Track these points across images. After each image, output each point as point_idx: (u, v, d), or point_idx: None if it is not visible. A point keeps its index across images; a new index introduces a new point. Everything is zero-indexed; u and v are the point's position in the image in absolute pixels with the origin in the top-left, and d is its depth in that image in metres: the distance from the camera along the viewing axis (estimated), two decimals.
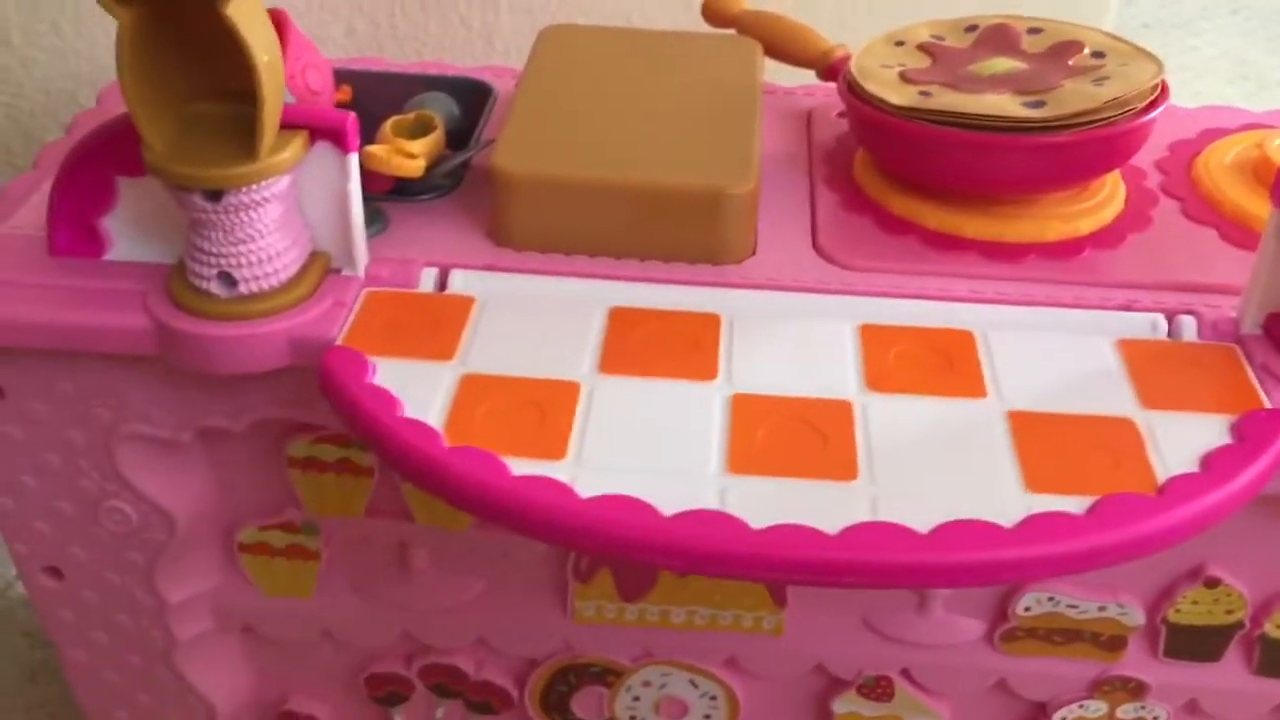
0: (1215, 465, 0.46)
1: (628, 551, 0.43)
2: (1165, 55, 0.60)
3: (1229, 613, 0.60)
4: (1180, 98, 0.72)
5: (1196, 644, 0.61)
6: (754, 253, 0.58)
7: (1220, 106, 0.71)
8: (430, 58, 0.89)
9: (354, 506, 0.60)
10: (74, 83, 0.89)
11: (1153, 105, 0.58)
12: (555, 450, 0.46)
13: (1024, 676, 0.62)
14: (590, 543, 0.43)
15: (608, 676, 0.64)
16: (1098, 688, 0.62)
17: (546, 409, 0.48)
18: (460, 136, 0.65)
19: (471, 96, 0.68)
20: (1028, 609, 0.60)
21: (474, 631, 0.63)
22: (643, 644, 0.63)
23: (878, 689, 0.63)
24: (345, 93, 0.68)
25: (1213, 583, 0.59)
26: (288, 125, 0.51)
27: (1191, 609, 0.60)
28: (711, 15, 0.70)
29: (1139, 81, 0.57)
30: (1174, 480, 0.46)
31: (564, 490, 0.44)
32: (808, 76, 0.69)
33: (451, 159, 0.60)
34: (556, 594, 0.62)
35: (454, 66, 0.72)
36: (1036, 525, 0.43)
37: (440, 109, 0.65)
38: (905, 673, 0.63)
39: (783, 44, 0.68)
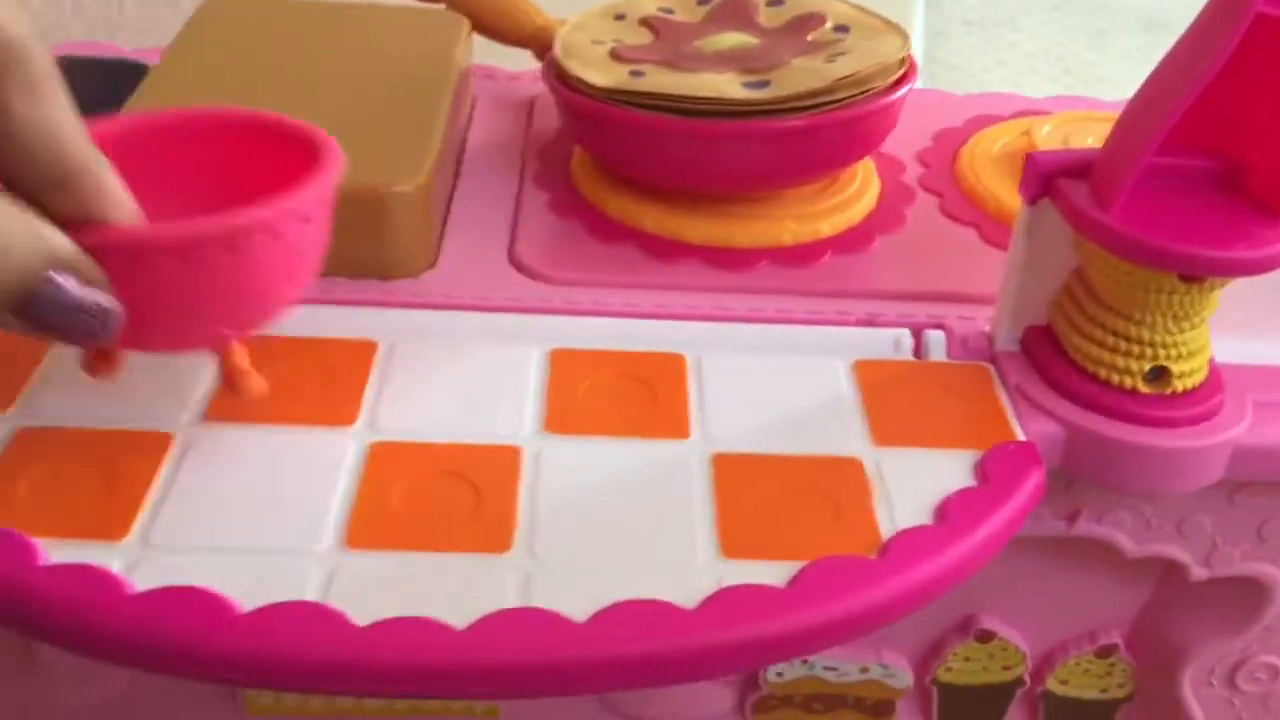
0: (950, 515, 0.38)
1: (180, 664, 0.32)
2: (986, 52, 0.53)
3: (1006, 669, 0.52)
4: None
5: (973, 705, 0.53)
6: (434, 265, 0.48)
7: (995, 93, 0.64)
8: (128, 43, 0.77)
9: None
10: None
11: (898, 84, 0.50)
12: (115, 528, 0.36)
13: None
14: (131, 654, 0.32)
15: None
16: None
17: (121, 472, 0.38)
18: None
19: (125, 82, 0.56)
20: (780, 674, 0.51)
21: None
22: None
23: None
24: None
25: (986, 636, 0.51)
26: None
27: (964, 666, 0.52)
28: None
29: (879, 57, 0.49)
30: (899, 537, 0.37)
31: (108, 582, 0.34)
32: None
33: None
34: None
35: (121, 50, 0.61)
36: (723, 604, 0.34)
37: None
38: None
39: (493, 20, 0.58)
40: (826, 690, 0.52)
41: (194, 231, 0.32)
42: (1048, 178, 0.42)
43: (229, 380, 0.37)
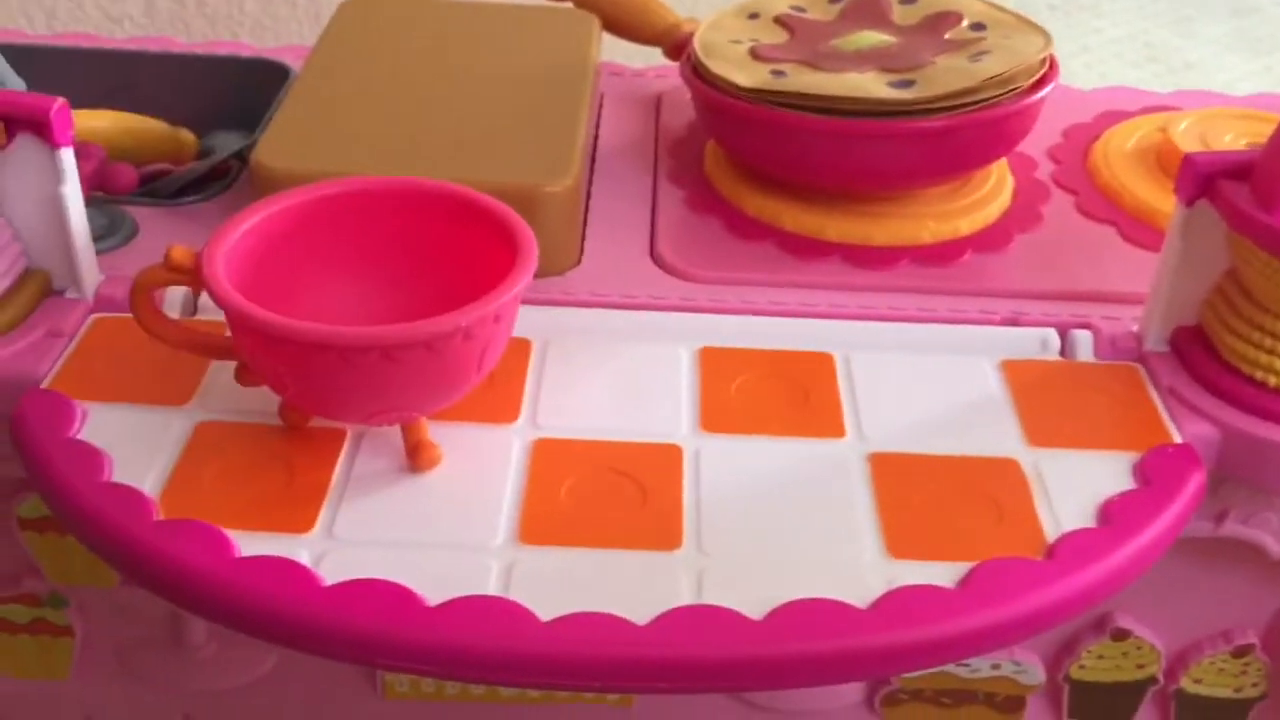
0: (1115, 517, 0.38)
1: (375, 656, 0.33)
2: (1070, 37, 0.53)
3: (1140, 667, 0.52)
4: (1085, 80, 0.64)
5: (1105, 703, 0.53)
6: (579, 262, 0.49)
7: (1120, 87, 0.63)
8: (247, 38, 0.78)
9: (106, 573, 0.49)
10: None
11: (1040, 84, 0.50)
12: (300, 521, 0.37)
13: None
14: (328, 645, 0.34)
15: None
16: None
17: (299, 465, 0.39)
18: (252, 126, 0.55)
19: (262, 80, 0.58)
20: None
21: (268, 714, 0.54)
22: None
23: None
24: None
25: (1121, 635, 0.51)
26: None
27: (1098, 664, 0.52)
28: None
29: (1023, 56, 0.49)
30: (1065, 539, 0.37)
31: (302, 575, 0.35)
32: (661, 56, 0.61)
33: (213, 154, 0.50)
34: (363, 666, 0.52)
35: (250, 47, 0.62)
36: (897, 604, 0.35)
37: None
38: None
39: (624, 18, 0.59)
40: (956, 685, 0.53)
41: (398, 334, 0.34)
42: (1207, 179, 0.41)
43: (410, 451, 0.39)
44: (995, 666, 0.52)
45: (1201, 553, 0.47)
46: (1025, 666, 0.52)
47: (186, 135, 0.56)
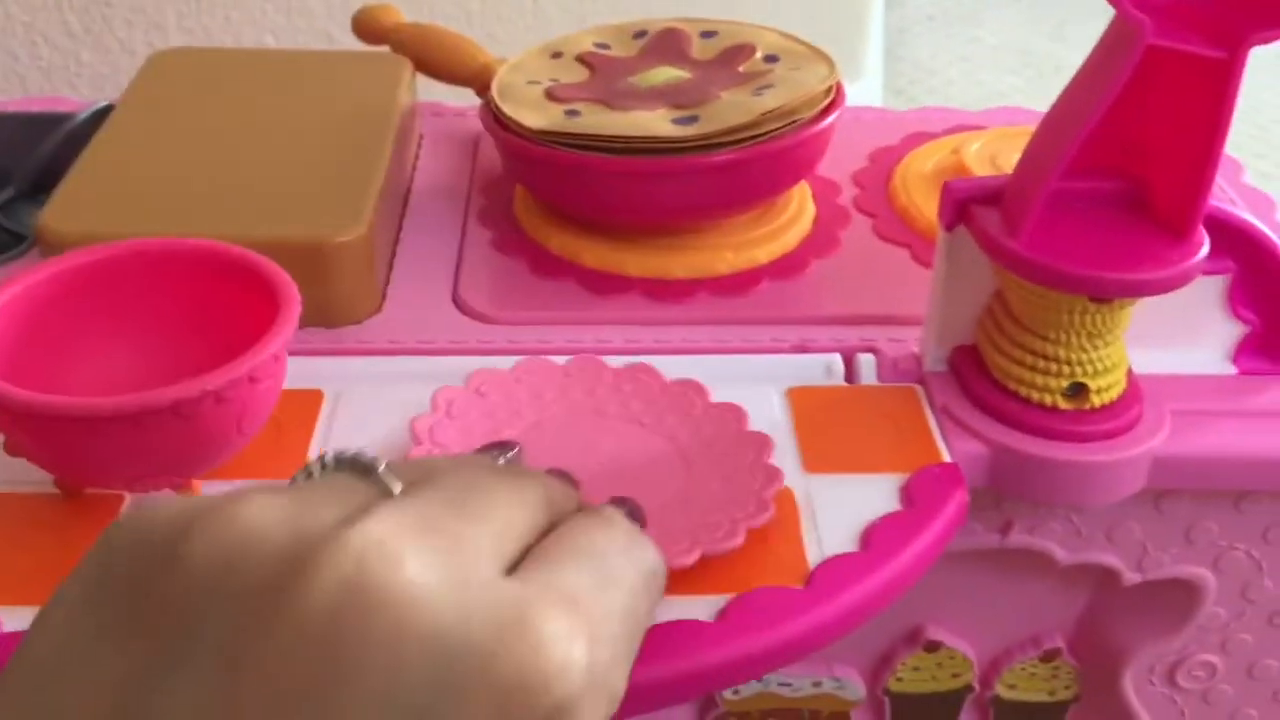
0: (875, 541, 0.39)
1: None
2: (947, 48, 0.54)
3: (955, 676, 0.53)
4: (963, 89, 0.66)
5: (925, 713, 0.55)
6: (379, 310, 0.49)
7: (931, 108, 0.65)
8: (87, 93, 0.78)
9: None
10: None
11: (825, 113, 0.51)
12: None
13: None
14: None
15: None
16: None
17: (71, 536, 0.39)
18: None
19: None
20: (736, 691, 0.53)
21: None
22: None
23: None
24: None
25: (933, 646, 0.52)
26: None
27: (914, 676, 0.53)
28: (363, 30, 0.62)
29: (806, 87, 0.50)
30: (825, 565, 0.38)
31: None
32: None
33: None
34: None
35: (73, 102, 0.62)
36: (654, 641, 0.36)
37: None
38: None
39: (437, 59, 0.59)
40: (782, 705, 0.54)
41: (143, 402, 0.34)
42: (962, 205, 0.43)
43: None
44: (816, 684, 0.53)
45: (997, 563, 0.49)
46: (845, 682, 0.53)
47: None
